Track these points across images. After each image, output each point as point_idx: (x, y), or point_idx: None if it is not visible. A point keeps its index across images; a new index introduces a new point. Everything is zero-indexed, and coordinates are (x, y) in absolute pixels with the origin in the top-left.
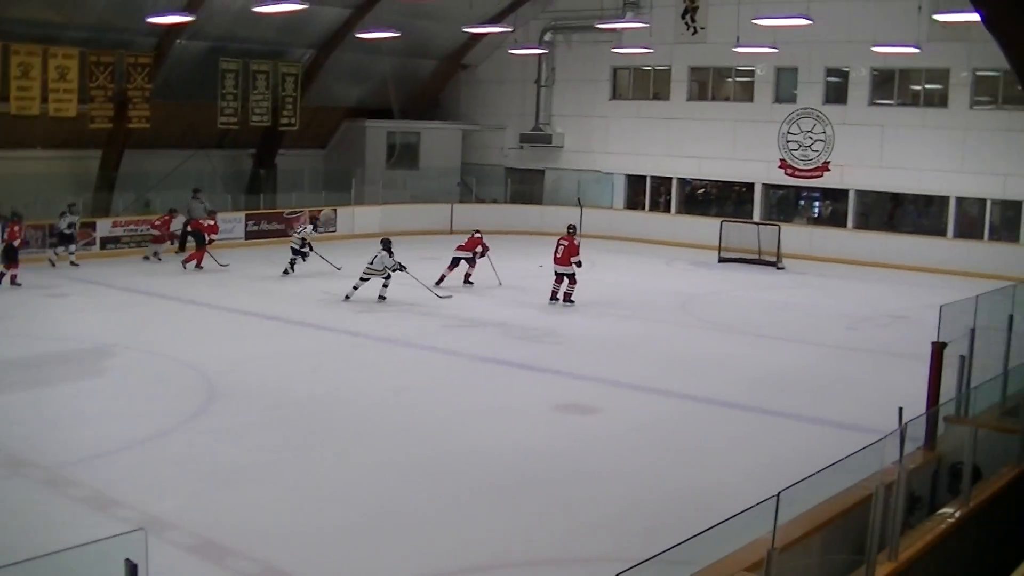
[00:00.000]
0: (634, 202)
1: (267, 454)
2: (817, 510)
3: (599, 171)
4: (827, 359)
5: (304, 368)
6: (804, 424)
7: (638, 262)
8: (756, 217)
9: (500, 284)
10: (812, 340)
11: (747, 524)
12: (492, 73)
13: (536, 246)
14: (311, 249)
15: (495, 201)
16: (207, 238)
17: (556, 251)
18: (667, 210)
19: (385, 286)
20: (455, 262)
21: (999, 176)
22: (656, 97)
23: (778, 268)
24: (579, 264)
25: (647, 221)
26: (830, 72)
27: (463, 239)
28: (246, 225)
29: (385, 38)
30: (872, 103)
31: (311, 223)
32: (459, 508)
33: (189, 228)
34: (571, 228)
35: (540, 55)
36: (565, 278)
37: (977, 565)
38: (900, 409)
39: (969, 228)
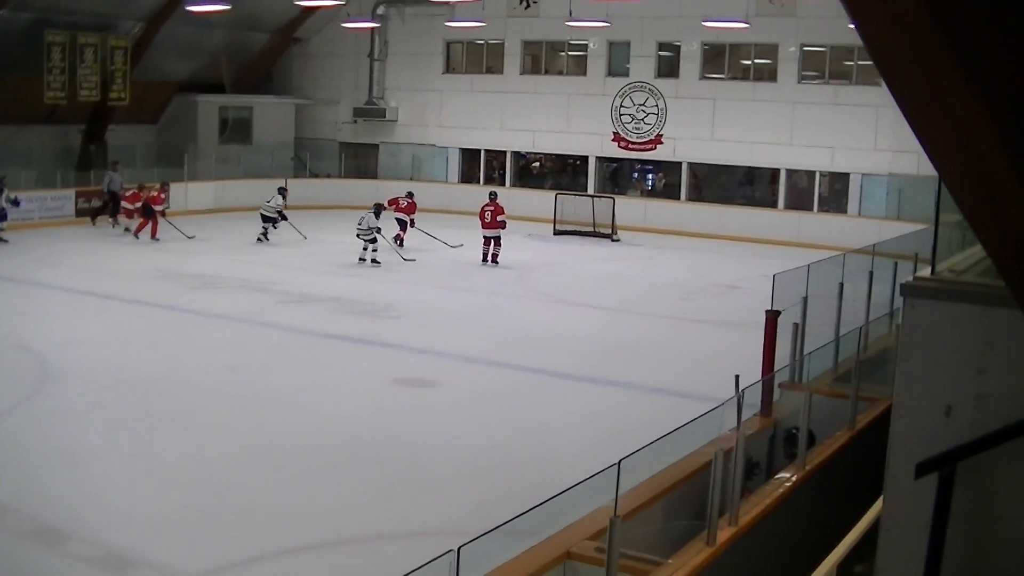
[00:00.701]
0: (469, 176)
1: (103, 436)
2: (658, 477)
3: (434, 145)
4: (663, 329)
5: (140, 347)
6: (642, 393)
7: (474, 236)
8: (590, 190)
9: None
10: (648, 311)
11: (589, 493)
12: (325, 47)
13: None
14: (284, 218)
15: (329, 176)
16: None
17: (483, 217)
18: (502, 183)
19: (374, 250)
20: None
21: (827, 149)
22: (490, 71)
23: (613, 240)
24: (504, 225)
25: (482, 195)
26: (662, 46)
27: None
28: (76, 202)
29: (216, 11)
30: (703, 77)
31: (280, 193)
32: (299, 485)
33: (140, 203)
34: (493, 195)
35: (373, 28)
36: (493, 240)
37: (814, 526)
38: (737, 376)
39: (799, 200)
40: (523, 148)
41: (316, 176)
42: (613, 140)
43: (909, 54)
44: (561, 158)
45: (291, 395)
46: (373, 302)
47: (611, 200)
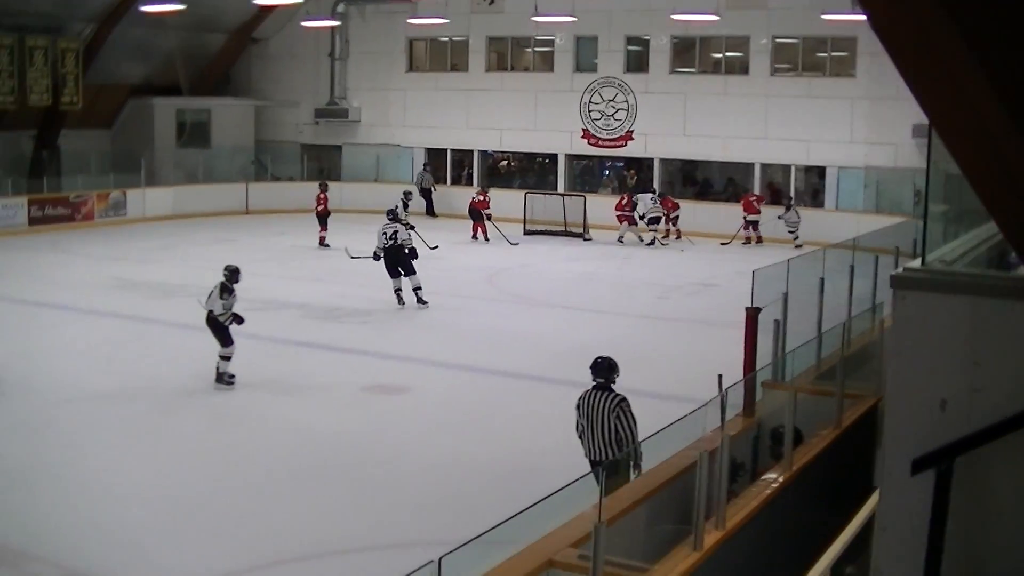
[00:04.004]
0: (435, 176)
1: (60, 451)
2: (641, 481)
3: (398, 145)
4: (639, 330)
5: (97, 360)
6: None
7: (441, 237)
8: (560, 188)
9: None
10: (623, 311)
11: (570, 499)
12: (284, 47)
13: (335, 223)
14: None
15: (291, 179)
16: None
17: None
18: (469, 183)
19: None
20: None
21: (802, 142)
22: (454, 68)
23: (585, 239)
24: (489, 216)
25: (448, 195)
26: (630, 40)
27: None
28: (29, 211)
29: (170, 11)
30: (673, 71)
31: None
32: (268, 497)
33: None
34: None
35: (333, 27)
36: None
37: (803, 527)
38: (719, 376)
39: (775, 195)
40: (490, 147)
41: (278, 179)
42: (582, 137)
43: (914, 31)
44: (530, 156)
45: (259, 406)
46: (339, 307)
47: (582, 199)
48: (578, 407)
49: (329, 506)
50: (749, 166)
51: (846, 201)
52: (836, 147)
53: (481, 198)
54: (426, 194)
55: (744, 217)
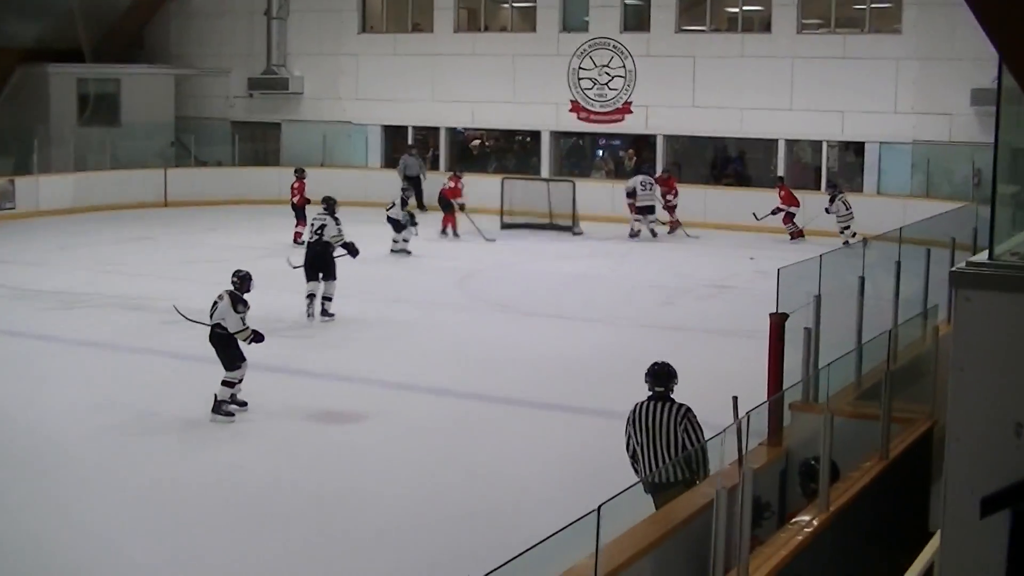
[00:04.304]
0: (394, 160)
1: None
2: (646, 525)
3: (349, 122)
4: (639, 341)
5: None
6: (616, 422)
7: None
8: (545, 173)
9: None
10: (620, 319)
11: (561, 547)
12: (210, 3)
13: (274, 217)
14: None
15: (220, 164)
16: None
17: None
18: (435, 167)
19: (405, 239)
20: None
21: (835, 113)
22: (416, 29)
23: (574, 233)
24: (462, 207)
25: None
26: None
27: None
28: None
29: None
30: (680, 30)
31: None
32: (198, 547)
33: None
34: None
35: None
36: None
37: None
38: (735, 398)
39: (803, 177)
40: (460, 124)
41: (204, 164)
42: (571, 111)
43: None
44: (508, 135)
45: (182, 438)
46: (279, 318)
47: (571, 185)
48: (632, 423)
49: (270, 556)
50: (771, 143)
51: (890, 183)
52: (878, 119)
53: (452, 185)
54: (412, 183)
55: (782, 209)
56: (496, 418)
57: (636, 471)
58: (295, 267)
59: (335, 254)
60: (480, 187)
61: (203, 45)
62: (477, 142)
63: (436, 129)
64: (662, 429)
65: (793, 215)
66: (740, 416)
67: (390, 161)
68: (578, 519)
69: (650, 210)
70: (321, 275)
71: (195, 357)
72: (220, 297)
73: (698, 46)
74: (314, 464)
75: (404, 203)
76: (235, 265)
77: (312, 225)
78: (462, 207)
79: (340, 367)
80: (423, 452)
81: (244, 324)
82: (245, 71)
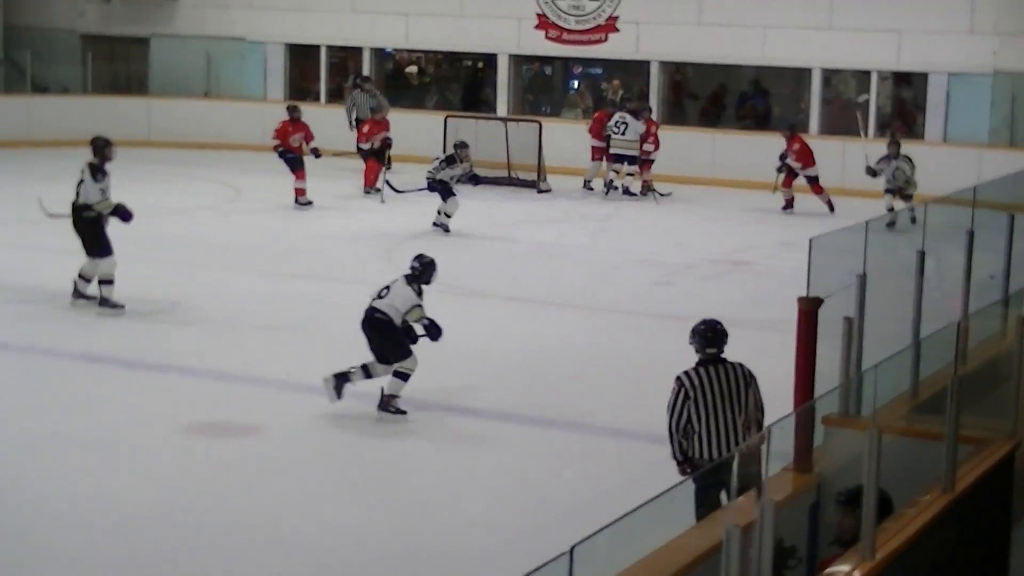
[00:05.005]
0: (302, 90)
1: None
2: (633, 573)
3: (241, 39)
4: (625, 333)
5: None
6: (599, 438)
7: (313, 189)
8: (502, 111)
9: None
10: (602, 304)
11: None
12: None
13: (143, 164)
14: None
15: (67, 90)
16: None
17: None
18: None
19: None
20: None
21: (890, 34)
22: None
23: (540, 191)
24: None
25: (324, 119)
26: None
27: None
28: None
29: None
30: None
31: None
32: None
33: None
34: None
35: None
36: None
37: None
38: None
39: (844, 119)
40: (390, 44)
41: (44, 90)
42: (538, 27)
43: None
44: (453, 59)
45: (27, 453)
46: (148, 299)
47: (535, 127)
48: (688, 395)
49: None
50: (803, 72)
51: (961, 128)
52: (946, 41)
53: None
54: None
55: (788, 165)
56: (431, 430)
57: (690, 458)
58: (52, 215)
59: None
60: (415, 127)
61: None
62: (413, 68)
63: (358, 50)
64: (732, 392)
65: (801, 175)
66: (761, 431)
67: (297, 91)
68: (543, 565)
69: (621, 160)
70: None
71: (31, 348)
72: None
73: None
74: (196, 488)
75: (453, 161)
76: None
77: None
78: (388, 145)
79: (224, 362)
80: (340, 474)
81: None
82: None
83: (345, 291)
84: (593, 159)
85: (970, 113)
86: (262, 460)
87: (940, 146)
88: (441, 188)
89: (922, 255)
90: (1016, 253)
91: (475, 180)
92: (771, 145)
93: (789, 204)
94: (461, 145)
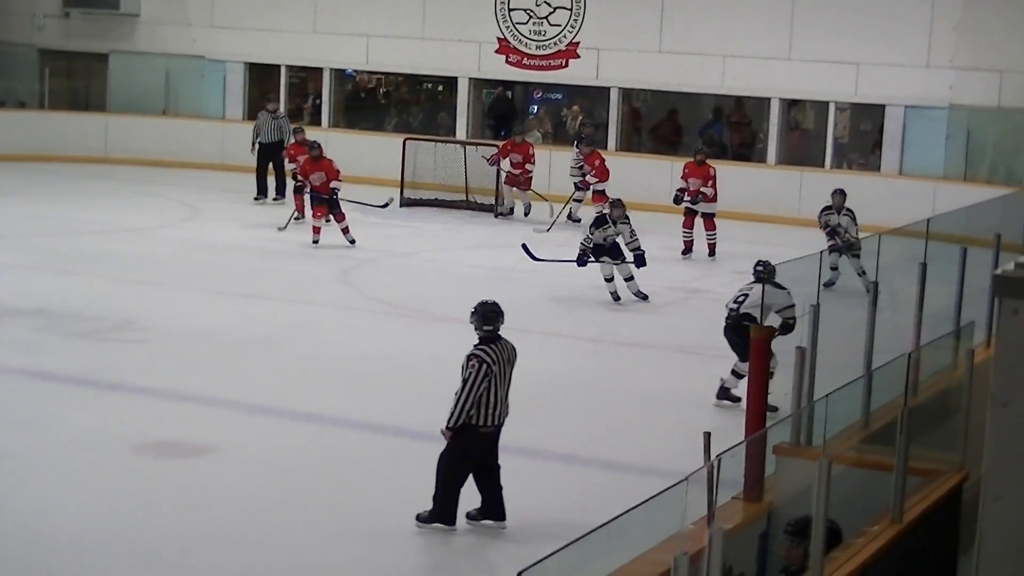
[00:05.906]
0: (261, 109)
1: None
2: None
3: (202, 57)
4: (581, 360)
5: None
6: (551, 465)
7: (271, 210)
8: (461, 134)
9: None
10: (559, 331)
11: None
12: None
13: (100, 181)
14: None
15: (24, 105)
16: None
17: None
18: (316, 122)
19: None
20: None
21: (848, 65)
22: None
23: (499, 215)
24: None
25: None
26: None
27: None
28: None
29: None
30: None
31: None
32: None
33: None
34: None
35: None
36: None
37: None
38: (706, 435)
39: (802, 149)
40: (350, 65)
41: (0, 105)
42: (498, 52)
43: None
44: (413, 81)
45: None
46: (101, 316)
47: (494, 150)
48: (491, 369)
49: None
50: (761, 102)
51: (917, 160)
52: (904, 73)
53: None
54: (267, 153)
55: (687, 195)
56: (390, 457)
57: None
58: None
59: None
60: (373, 150)
61: None
62: (372, 87)
63: (318, 71)
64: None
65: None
66: (711, 459)
67: (255, 111)
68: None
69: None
70: None
71: None
72: None
73: None
74: (146, 512)
75: (604, 222)
76: (43, 242)
77: None
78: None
79: (180, 382)
80: (290, 500)
81: None
82: None
83: (300, 312)
84: (505, 183)
85: (926, 146)
86: (213, 481)
87: (896, 178)
88: (596, 254)
89: (875, 286)
90: (968, 285)
91: (581, 261)
92: (730, 174)
93: (688, 248)
94: (617, 204)
